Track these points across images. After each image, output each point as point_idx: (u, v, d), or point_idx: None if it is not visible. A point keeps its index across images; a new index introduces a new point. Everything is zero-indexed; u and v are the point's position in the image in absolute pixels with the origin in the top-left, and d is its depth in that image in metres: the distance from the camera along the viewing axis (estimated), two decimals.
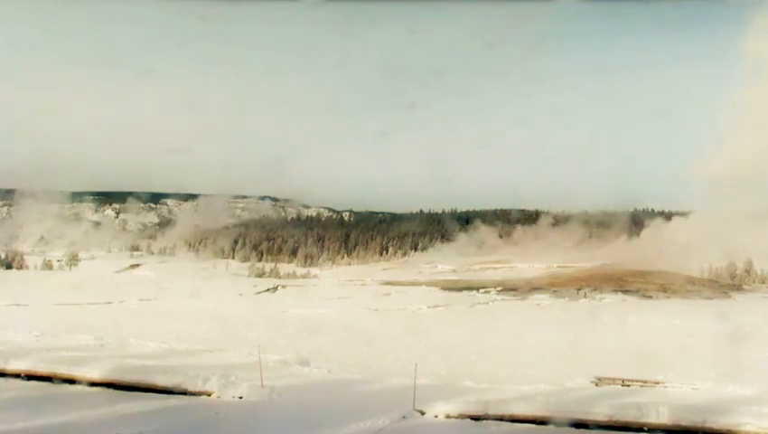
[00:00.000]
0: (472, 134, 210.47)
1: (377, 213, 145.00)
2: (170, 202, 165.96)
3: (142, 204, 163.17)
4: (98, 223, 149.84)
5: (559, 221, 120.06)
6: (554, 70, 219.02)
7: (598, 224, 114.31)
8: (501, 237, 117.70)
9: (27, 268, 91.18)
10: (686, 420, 9.27)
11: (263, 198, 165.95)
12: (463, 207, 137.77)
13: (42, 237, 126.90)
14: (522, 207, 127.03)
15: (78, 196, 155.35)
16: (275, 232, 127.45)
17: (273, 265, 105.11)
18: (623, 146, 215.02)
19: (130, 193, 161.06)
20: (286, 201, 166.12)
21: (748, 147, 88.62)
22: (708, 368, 18.39)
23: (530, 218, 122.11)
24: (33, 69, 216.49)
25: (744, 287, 76.57)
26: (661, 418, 9.29)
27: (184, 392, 10.65)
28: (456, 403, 10.23)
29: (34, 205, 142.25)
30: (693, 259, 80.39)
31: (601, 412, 9.66)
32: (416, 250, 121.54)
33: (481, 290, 70.93)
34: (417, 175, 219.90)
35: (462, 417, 9.94)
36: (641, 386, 14.98)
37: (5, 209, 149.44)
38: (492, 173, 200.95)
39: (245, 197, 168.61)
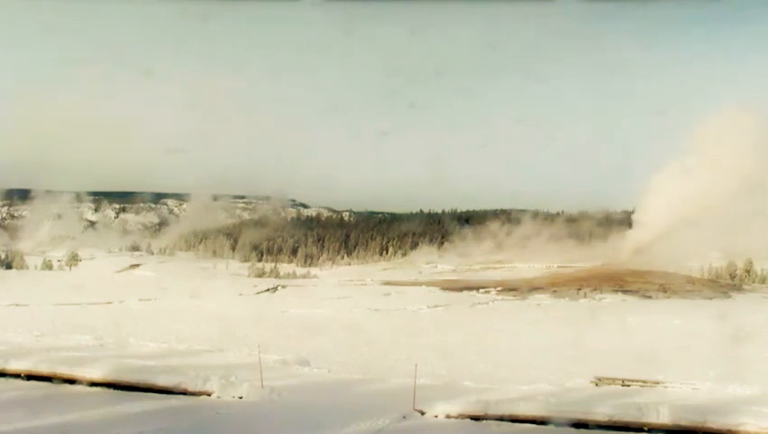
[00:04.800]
0: (473, 134, 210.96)
1: (377, 213, 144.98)
2: (170, 202, 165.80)
3: (142, 204, 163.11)
4: (98, 223, 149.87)
5: (559, 220, 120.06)
6: (554, 70, 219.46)
7: (598, 223, 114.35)
8: (500, 237, 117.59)
9: (27, 268, 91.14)
10: (686, 420, 9.27)
11: (267, 198, 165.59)
12: (463, 207, 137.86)
13: (42, 237, 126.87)
14: (522, 207, 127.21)
15: (78, 196, 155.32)
16: (275, 232, 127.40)
17: (273, 265, 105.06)
18: (623, 146, 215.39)
19: (130, 193, 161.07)
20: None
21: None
22: (708, 368, 18.38)
23: (530, 218, 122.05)
24: (34, 68, 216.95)
25: (744, 287, 76.50)
26: (661, 418, 9.29)
27: (184, 392, 10.64)
28: (456, 403, 10.22)
29: (35, 205, 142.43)
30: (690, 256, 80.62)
31: (601, 412, 9.66)
32: (416, 250, 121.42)
33: (481, 290, 70.87)
34: (417, 175, 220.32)
35: (462, 417, 9.93)
36: (641, 386, 14.95)
37: (6, 209, 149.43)
38: (492, 173, 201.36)
39: (245, 197, 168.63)
